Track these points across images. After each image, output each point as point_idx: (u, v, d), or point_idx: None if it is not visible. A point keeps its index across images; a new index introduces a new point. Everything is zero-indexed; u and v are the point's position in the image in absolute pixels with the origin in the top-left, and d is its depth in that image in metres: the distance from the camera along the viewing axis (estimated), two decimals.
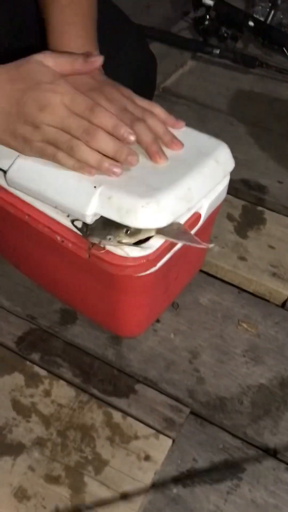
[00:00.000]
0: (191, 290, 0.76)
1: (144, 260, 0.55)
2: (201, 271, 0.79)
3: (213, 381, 0.67)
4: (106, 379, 0.66)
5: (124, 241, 0.53)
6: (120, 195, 0.51)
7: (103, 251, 0.54)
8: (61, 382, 0.66)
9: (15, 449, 0.60)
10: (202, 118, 1.07)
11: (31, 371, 0.66)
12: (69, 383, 0.66)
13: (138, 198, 0.51)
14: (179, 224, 0.56)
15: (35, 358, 0.68)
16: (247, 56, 1.18)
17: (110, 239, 0.52)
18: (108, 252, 0.54)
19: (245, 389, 0.67)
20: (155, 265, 0.57)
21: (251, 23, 1.18)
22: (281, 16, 1.26)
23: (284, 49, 1.19)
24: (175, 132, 0.60)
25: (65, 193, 0.53)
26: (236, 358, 0.70)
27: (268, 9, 1.23)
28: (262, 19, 1.23)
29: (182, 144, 0.59)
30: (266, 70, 1.18)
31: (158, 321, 0.72)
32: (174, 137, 0.59)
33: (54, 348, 0.69)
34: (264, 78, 1.19)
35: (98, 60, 0.58)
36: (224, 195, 0.64)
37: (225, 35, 1.20)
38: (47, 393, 0.64)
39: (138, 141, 0.56)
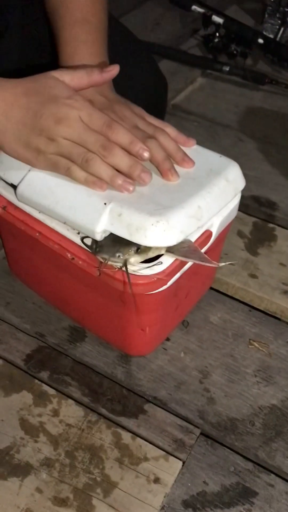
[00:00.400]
0: (201, 308, 0.75)
1: (155, 278, 0.54)
2: (211, 288, 0.78)
3: (224, 401, 0.66)
4: (115, 398, 0.66)
5: (133, 259, 0.52)
6: (130, 212, 0.51)
7: (114, 270, 0.54)
8: (70, 401, 0.65)
9: (23, 470, 0.59)
10: (212, 135, 1.07)
11: (39, 389, 0.66)
12: (78, 402, 0.65)
13: (148, 216, 0.51)
14: (189, 242, 0.55)
15: (44, 377, 0.67)
16: (257, 73, 1.18)
17: (119, 256, 0.52)
18: (119, 270, 0.54)
19: (257, 410, 0.65)
20: (165, 283, 0.56)
21: (260, 40, 1.18)
22: None
23: None
24: (186, 150, 0.60)
25: (74, 209, 0.53)
26: (247, 378, 0.68)
27: (277, 26, 1.24)
28: (271, 36, 1.24)
29: (193, 162, 0.59)
30: (275, 87, 1.18)
31: (168, 339, 0.72)
32: (185, 155, 0.59)
33: (63, 366, 0.68)
34: (273, 94, 1.19)
35: (115, 69, 0.59)
36: (235, 213, 0.64)
37: (235, 52, 1.21)
38: (56, 413, 0.64)
39: (150, 159, 0.56)
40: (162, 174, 0.56)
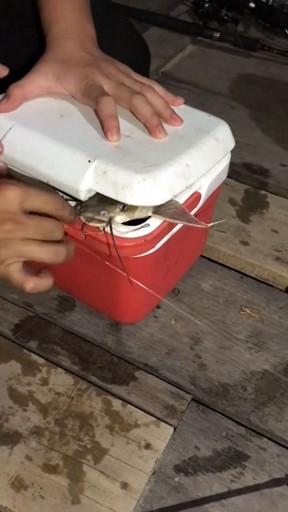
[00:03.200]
0: (192, 275, 0.74)
1: (142, 241, 0.53)
2: (202, 256, 0.77)
3: (216, 367, 0.65)
4: (106, 366, 0.64)
5: (118, 217, 0.51)
6: (115, 170, 0.49)
7: (100, 233, 0.52)
8: (59, 370, 0.64)
9: (12, 438, 0.58)
10: (203, 102, 1.05)
11: (28, 359, 0.65)
12: (67, 371, 0.64)
13: (135, 173, 0.49)
14: (177, 203, 0.54)
15: (32, 346, 0.66)
16: (248, 39, 1.16)
17: (104, 214, 0.50)
18: (104, 232, 0.52)
19: (249, 375, 0.65)
20: (153, 246, 0.54)
21: (252, 5, 1.15)
22: None
23: (286, 30, 1.16)
24: (174, 109, 0.58)
25: (58, 167, 0.51)
26: (239, 344, 0.67)
27: None
28: (263, 0, 1.20)
29: (182, 120, 0.57)
30: (267, 53, 1.16)
31: (158, 307, 0.70)
32: (174, 112, 0.57)
33: (52, 335, 0.67)
34: (265, 61, 1.17)
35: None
36: (225, 175, 0.62)
37: (226, 17, 1.18)
38: (45, 381, 0.63)
39: (137, 115, 0.54)
40: (149, 130, 0.54)
